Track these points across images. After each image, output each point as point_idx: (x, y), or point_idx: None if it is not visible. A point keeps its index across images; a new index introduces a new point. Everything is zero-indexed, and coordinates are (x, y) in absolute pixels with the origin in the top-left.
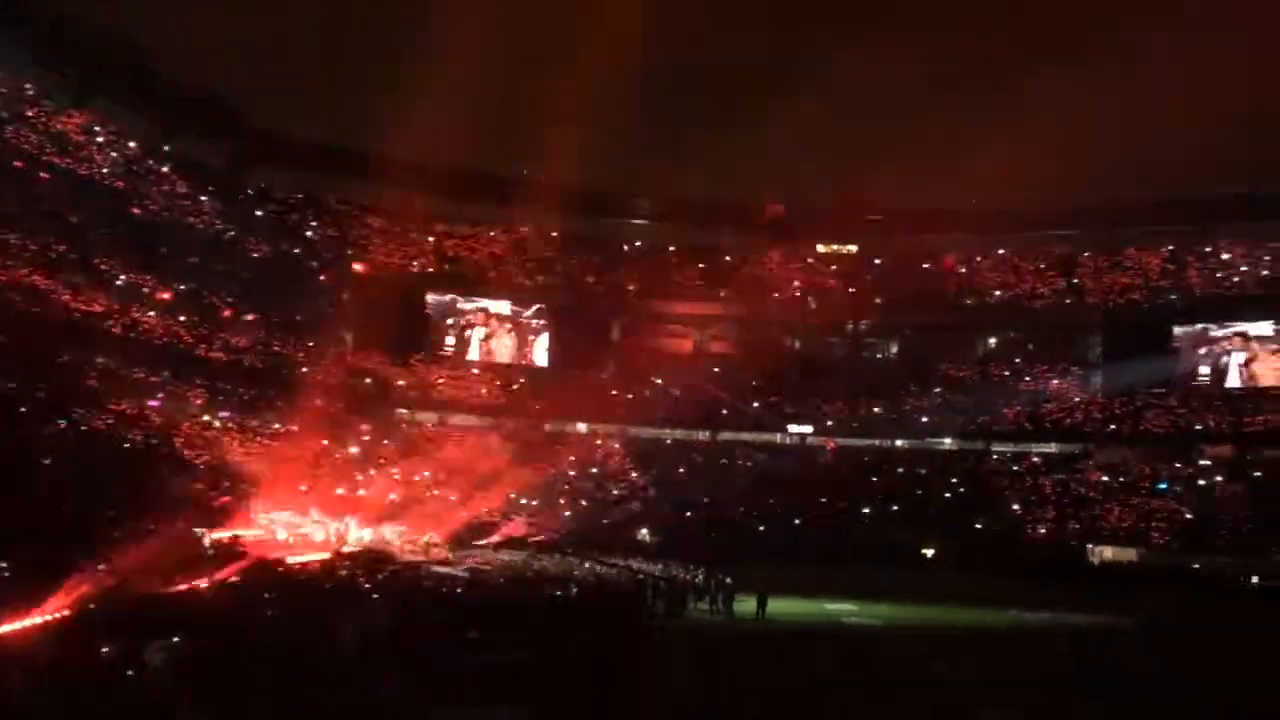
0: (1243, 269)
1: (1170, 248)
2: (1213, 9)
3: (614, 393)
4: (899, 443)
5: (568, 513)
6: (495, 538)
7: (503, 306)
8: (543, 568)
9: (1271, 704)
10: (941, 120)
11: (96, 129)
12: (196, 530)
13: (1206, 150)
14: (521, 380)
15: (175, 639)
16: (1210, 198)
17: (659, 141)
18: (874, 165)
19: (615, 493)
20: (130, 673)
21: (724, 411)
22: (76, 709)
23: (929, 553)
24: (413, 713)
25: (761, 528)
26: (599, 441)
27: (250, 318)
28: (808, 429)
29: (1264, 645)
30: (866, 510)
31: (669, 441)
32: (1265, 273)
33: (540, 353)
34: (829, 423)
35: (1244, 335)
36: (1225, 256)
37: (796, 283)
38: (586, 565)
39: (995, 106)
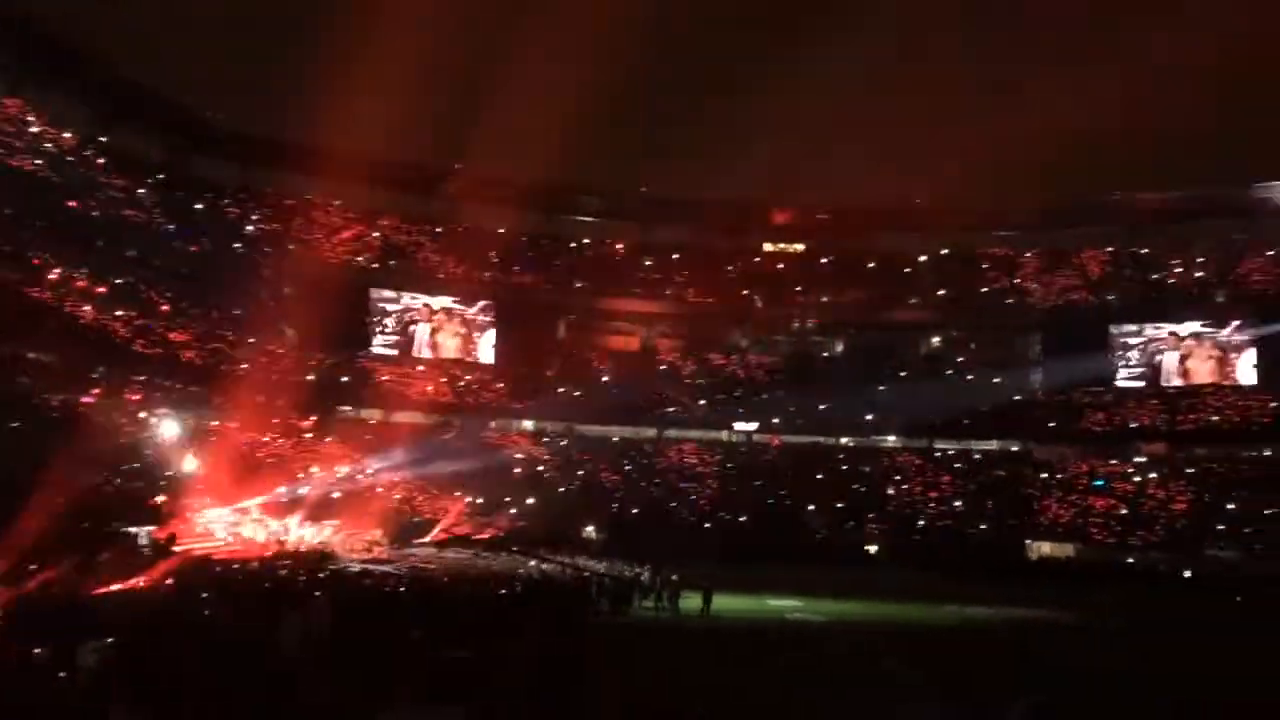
0: (1177, 270)
1: (1109, 249)
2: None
3: (560, 390)
4: (844, 440)
5: (513, 510)
6: (439, 536)
7: (448, 302)
8: (487, 566)
9: (1207, 698)
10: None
11: (30, 119)
12: (133, 529)
13: (1144, 154)
14: (467, 377)
15: (110, 640)
16: (1147, 201)
17: (609, 138)
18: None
19: (561, 490)
20: (63, 674)
21: (670, 409)
22: (8, 711)
23: (873, 549)
24: (354, 714)
25: (707, 525)
26: (545, 439)
27: (190, 312)
28: (753, 426)
29: (1198, 639)
30: (811, 507)
31: (615, 439)
32: (1199, 274)
33: (486, 349)
34: (774, 420)
35: (1178, 335)
36: (1161, 258)
37: (743, 281)
38: (531, 563)
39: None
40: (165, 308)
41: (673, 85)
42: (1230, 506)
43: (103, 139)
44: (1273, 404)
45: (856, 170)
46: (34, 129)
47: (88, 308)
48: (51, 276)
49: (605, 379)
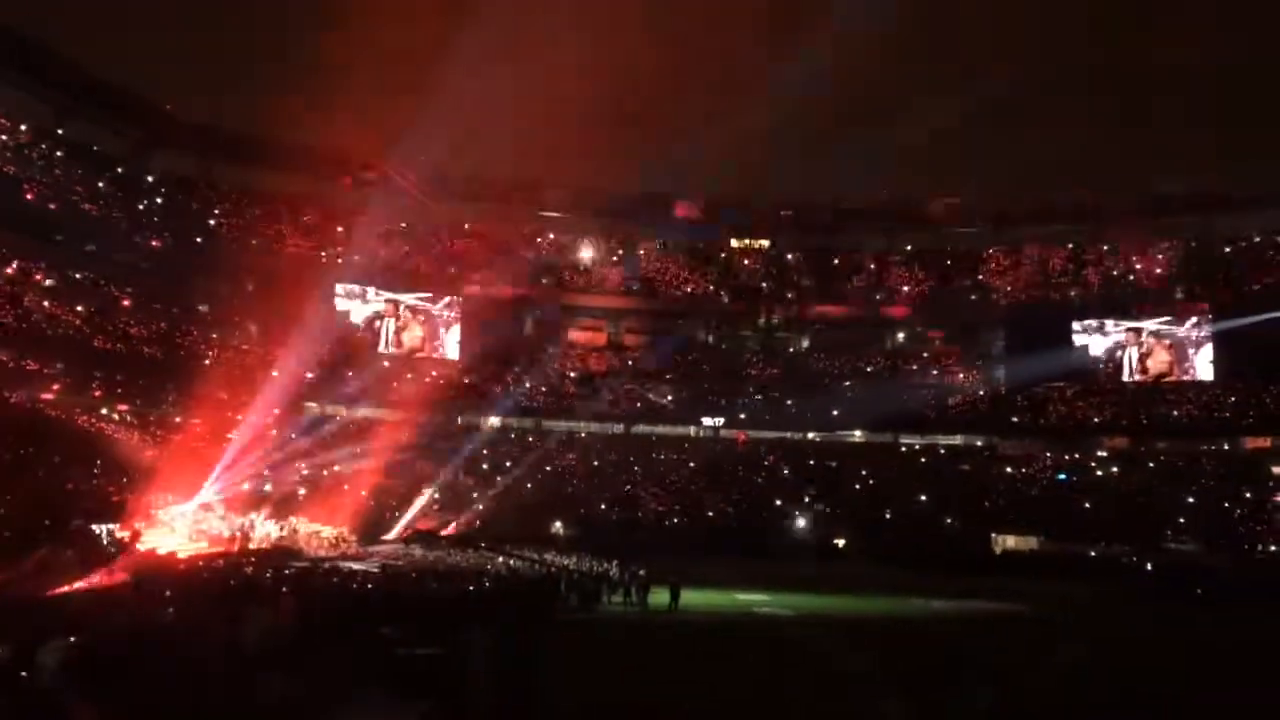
0: (1137, 267)
1: (1070, 246)
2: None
3: (527, 385)
4: (810, 435)
5: (480, 506)
6: (405, 531)
7: (413, 299)
8: (455, 562)
9: (1168, 690)
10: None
11: None
12: (95, 527)
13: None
14: (433, 373)
15: (71, 639)
16: (1108, 198)
17: (577, 136)
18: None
19: (528, 486)
20: (24, 674)
21: (638, 404)
22: None
23: (840, 543)
24: (312, 712)
25: (675, 520)
26: (512, 435)
27: (151, 307)
28: (720, 421)
29: (1158, 631)
30: (779, 502)
31: (583, 434)
32: (1159, 270)
33: (451, 345)
34: (741, 415)
35: (1138, 331)
36: (1121, 255)
37: (709, 276)
38: (500, 559)
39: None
40: (126, 303)
41: (639, 82)
42: (1190, 500)
43: (61, 132)
44: (1230, 398)
45: None
46: None
47: (46, 303)
48: (9, 270)
49: (571, 374)
